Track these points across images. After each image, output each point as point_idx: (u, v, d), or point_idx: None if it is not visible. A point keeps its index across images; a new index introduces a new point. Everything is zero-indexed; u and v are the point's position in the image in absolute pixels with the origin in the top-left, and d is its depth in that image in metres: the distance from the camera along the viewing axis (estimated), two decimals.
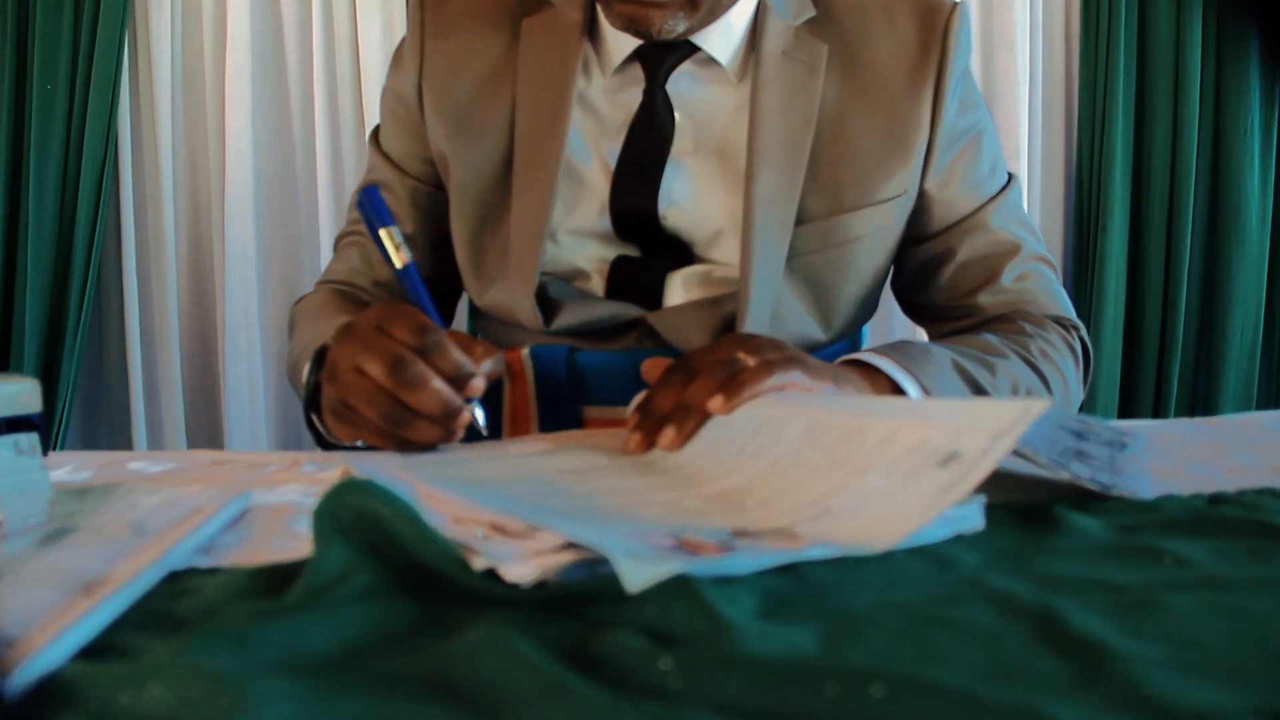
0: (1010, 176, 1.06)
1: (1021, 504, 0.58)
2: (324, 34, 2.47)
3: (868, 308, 1.07)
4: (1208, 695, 0.33)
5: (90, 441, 2.61)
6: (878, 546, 0.44)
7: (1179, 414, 2.37)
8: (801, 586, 0.44)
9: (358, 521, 0.44)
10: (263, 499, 0.63)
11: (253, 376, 2.52)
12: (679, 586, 0.40)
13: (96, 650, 0.39)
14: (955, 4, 1.01)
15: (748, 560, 0.44)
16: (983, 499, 0.51)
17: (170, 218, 2.50)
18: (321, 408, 0.79)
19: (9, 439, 0.56)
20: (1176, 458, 0.70)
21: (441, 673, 0.36)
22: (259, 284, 2.52)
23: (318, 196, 2.49)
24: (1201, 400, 2.42)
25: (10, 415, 0.56)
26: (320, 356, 0.81)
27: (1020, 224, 1.04)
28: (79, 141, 2.42)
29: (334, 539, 0.43)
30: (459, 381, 0.71)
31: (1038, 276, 1.03)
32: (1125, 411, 2.40)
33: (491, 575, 0.43)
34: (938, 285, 1.04)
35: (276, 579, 0.46)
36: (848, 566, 0.46)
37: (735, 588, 0.42)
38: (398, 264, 0.80)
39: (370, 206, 0.81)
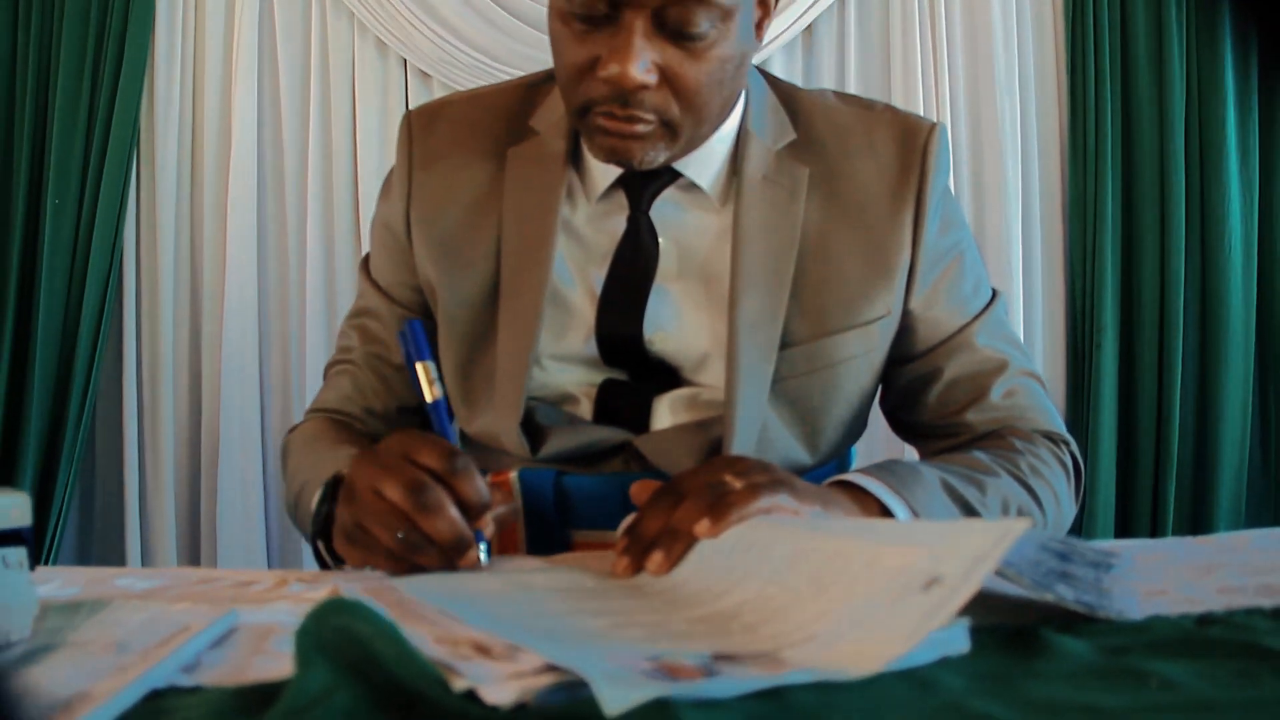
0: (994, 293, 1.08)
1: (1008, 626, 0.58)
2: (321, 153, 2.56)
3: (855, 429, 1.08)
4: None
5: (84, 553, 2.62)
6: (862, 672, 0.44)
7: (1177, 531, 2.36)
8: (784, 711, 0.44)
9: (340, 641, 0.44)
10: (249, 618, 0.63)
11: (248, 492, 2.53)
12: (658, 711, 0.40)
13: None
14: (934, 124, 1.04)
15: (729, 684, 0.44)
16: (967, 621, 0.51)
17: (169, 331, 2.56)
18: (333, 532, 0.79)
19: None
20: (1164, 577, 0.70)
21: None
22: (257, 398, 2.56)
23: (305, 312, 2.54)
24: (1200, 517, 2.42)
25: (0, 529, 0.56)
26: (333, 485, 0.82)
27: (1006, 340, 1.06)
28: (85, 255, 2.50)
29: (315, 659, 0.43)
30: (476, 510, 0.72)
31: (1026, 392, 1.04)
32: (1122, 530, 2.40)
33: (472, 696, 0.43)
34: (926, 404, 1.05)
35: (257, 699, 0.46)
36: (831, 691, 0.46)
37: (717, 712, 0.42)
38: (429, 398, 0.82)
39: (411, 339, 0.83)
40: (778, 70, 2.42)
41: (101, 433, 2.60)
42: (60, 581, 0.75)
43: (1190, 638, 0.56)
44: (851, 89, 2.46)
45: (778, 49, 2.47)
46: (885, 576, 0.52)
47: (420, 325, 0.84)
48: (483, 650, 0.48)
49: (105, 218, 2.49)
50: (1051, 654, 0.53)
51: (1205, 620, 0.59)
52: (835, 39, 2.53)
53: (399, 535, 0.71)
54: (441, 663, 0.45)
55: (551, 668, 0.44)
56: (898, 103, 2.31)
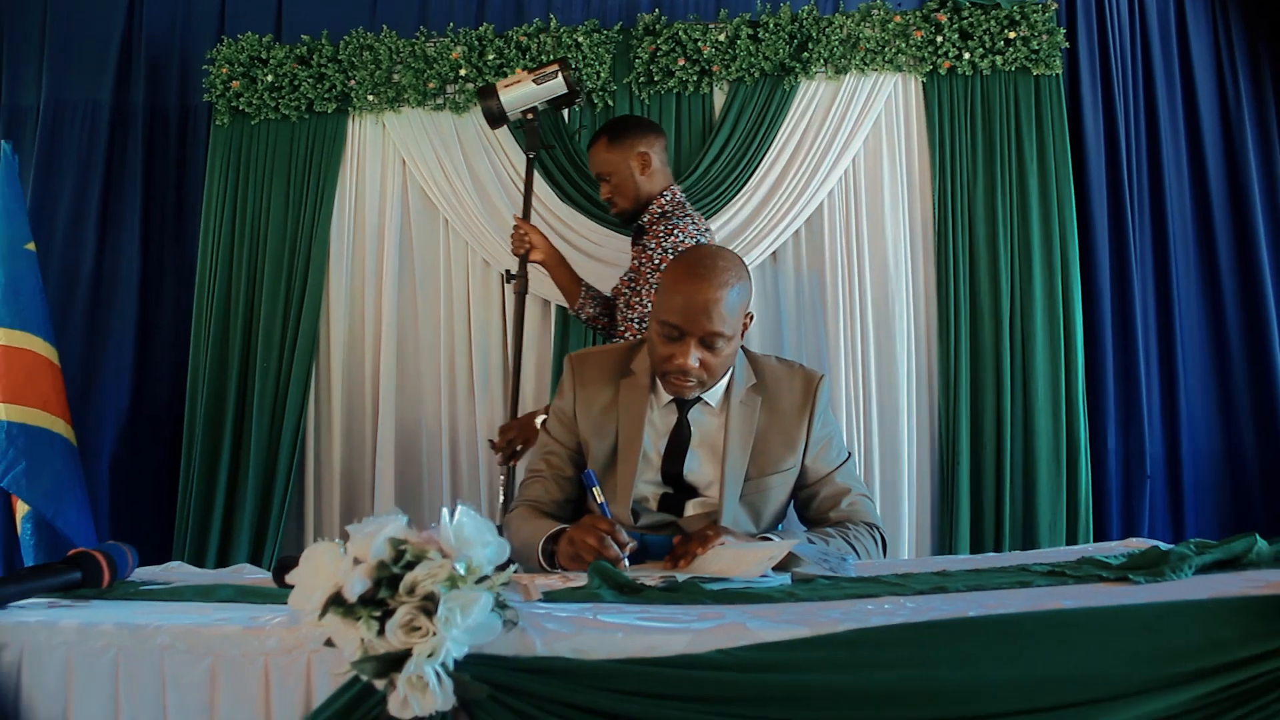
0: (849, 454, 2.24)
1: (808, 575, 1.72)
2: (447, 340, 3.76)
3: (779, 517, 2.19)
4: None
5: None
6: (750, 578, 1.60)
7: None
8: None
9: (599, 569, 1.59)
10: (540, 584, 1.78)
11: None
12: (691, 593, 1.56)
13: None
14: (822, 376, 2.20)
15: (699, 581, 1.59)
16: (787, 576, 1.66)
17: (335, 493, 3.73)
18: (555, 555, 1.93)
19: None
20: (873, 569, 1.84)
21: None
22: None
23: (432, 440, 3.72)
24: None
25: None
26: (554, 536, 1.95)
27: (852, 479, 2.18)
28: (283, 405, 3.66)
29: (593, 576, 1.58)
30: (622, 546, 1.82)
31: (862, 504, 2.16)
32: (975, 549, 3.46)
33: (639, 588, 1.59)
34: (811, 507, 2.17)
35: (567, 593, 1.61)
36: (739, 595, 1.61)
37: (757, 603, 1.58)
38: (600, 499, 1.96)
39: (589, 476, 1.97)
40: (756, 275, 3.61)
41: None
42: None
43: (880, 578, 1.70)
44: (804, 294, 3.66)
45: (752, 271, 3.65)
46: (758, 553, 1.69)
47: (593, 474, 2.01)
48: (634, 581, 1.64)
49: (298, 375, 3.66)
50: (819, 584, 1.67)
51: (907, 575, 1.73)
52: (792, 264, 3.70)
53: (593, 555, 1.84)
54: (627, 580, 1.61)
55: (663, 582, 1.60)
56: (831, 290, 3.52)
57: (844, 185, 3.61)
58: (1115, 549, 1.81)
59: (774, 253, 3.63)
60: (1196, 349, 3.73)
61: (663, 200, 2.98)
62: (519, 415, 3.12)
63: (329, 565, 1.11)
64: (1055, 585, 1.46)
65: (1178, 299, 3.68)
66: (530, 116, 3.18)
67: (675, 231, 2.83)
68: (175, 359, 3.78)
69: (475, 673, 1.13)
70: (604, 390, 2.17)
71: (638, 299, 2.84)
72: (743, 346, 2.18)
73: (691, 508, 2.13)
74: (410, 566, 1.10)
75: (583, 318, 3.23)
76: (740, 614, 1.30)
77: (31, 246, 3.39)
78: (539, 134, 3.20)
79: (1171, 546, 1.63)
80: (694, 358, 1.98)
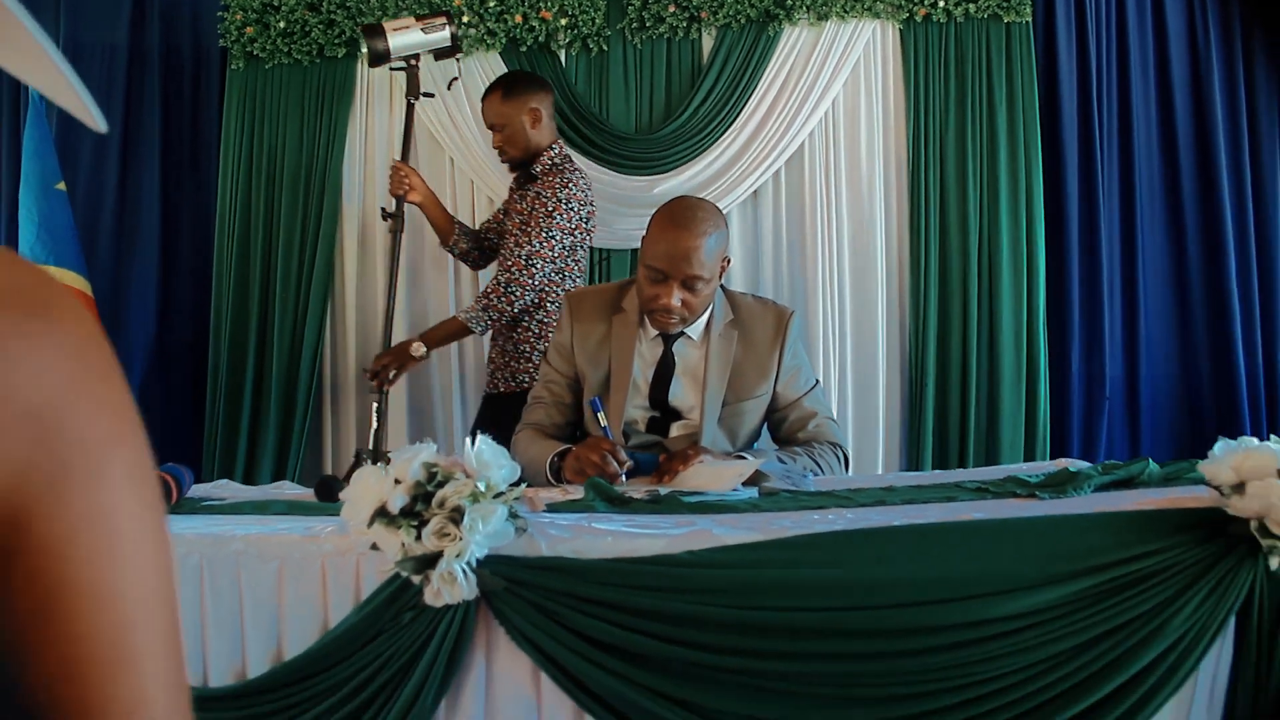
0: (817, 381, 2.51)
1: (775, 489, 2.01)
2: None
3: (754, 438, 2.47)
4: None
5: None
6: (724, 492, 1.88)
7: None
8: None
9: (594, 485, 1.87)
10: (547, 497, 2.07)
11: None
12: (671, 503, 1.84)
13: None
14: (792, 312, 2.47)
15: (678, 495, 1.88)
16: (755, 490, 1.94)
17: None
18: (562, 470, 2.22)
19: None
20: (830, 484, 2.13)
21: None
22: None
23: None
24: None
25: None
26: (561, 454, 2.24)
27: (818, 404, 2.46)
28: (299, 348, 3.93)
29: (589, 490, 1.86)
30: (621, 464, 2.12)
31: (827, 426, 2.44)
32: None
33: (627, 500, 1.87)
34: (781, 429, 2.45)
35: (568, 505, 1.89)
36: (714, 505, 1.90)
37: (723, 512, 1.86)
38: (603, 423, 2.24)
39: (595, 403, 2.25)
40: (733, 221, 3.82)
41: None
42: None
43: (835, 492, 1.98)
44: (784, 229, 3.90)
45: (734, 208, 3.88)
46: (731, 470, 1.97)
47: (599, 399, 2.28)
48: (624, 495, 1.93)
49: (314, 307, 3.90)
50: (781, 497, 1.96)
51: (856, 490, 2.02)
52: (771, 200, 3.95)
53: (596, 470, 2.12)
54: (617, 494, 1.90)
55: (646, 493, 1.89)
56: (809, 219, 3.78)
57: (824, 127, 3.82)
58: (1041, 468, 2.09)
59: (756, 191, 3.86)
60: (1158, 279, 3.98)
61: (551, 153, 3.20)
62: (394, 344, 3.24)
63: (375, 485, 1.39)
64: (976, 500, 1.75)
65: (1142, 231, 3.92)
66: (413, 63, 3.23)
67: (570, 185, 3.08)
68: (198, 291, 4.02)
69: (493, 569, 1.43)
70: (598, 325, 2.44)
71: (527, 239, 3.05)
72: (721, 286, 2.43)
73: (675, 429, 2.41)
74: (441, 485, 1.38)
75: (455, 253, 3.45)
76: (709, 522, 1.59)
77: (62, 186, 3.60)
78: (418, 81, 3.26)
79: (1083, 467, 1.92)
80: (676, 298, 2.25)
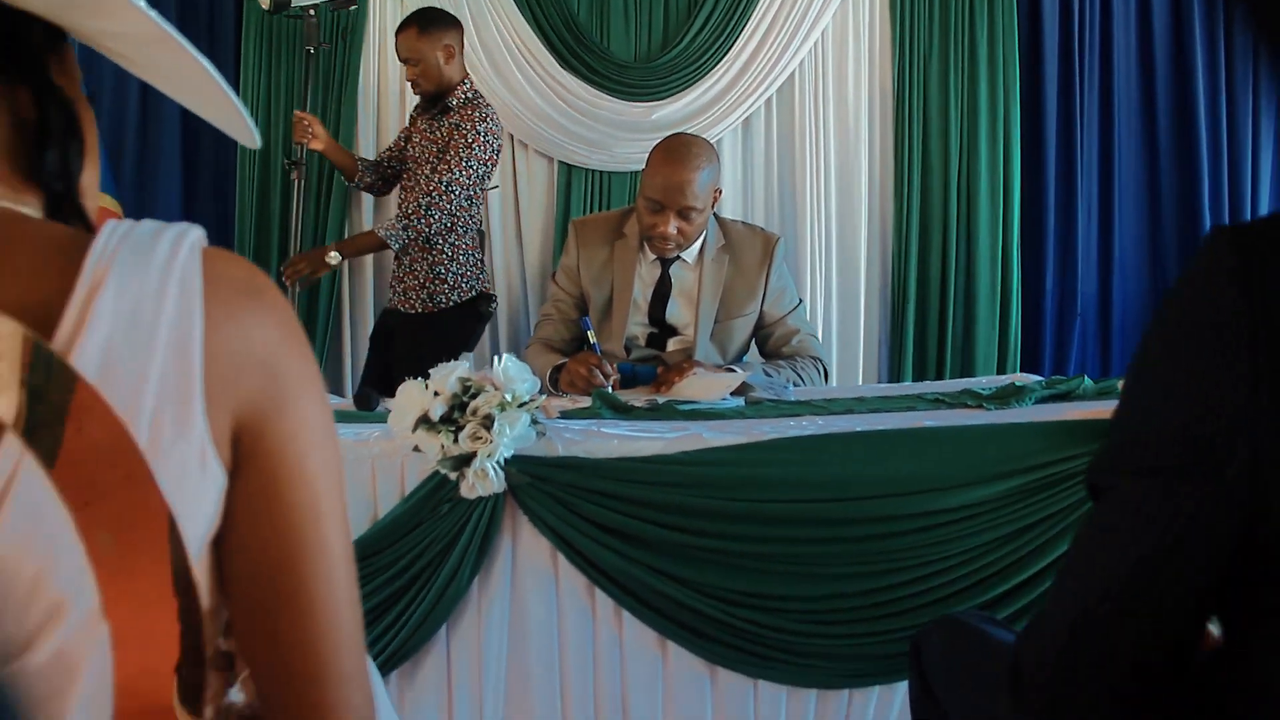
0: (800, 300, 2.76)
1: (756, 398, 2.26)
2: None
3: (743, 352, 2.73)
4: None
5: None
6: (714, 400, 2.14)
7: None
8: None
9: (600, 395, 2.13)
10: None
11: None
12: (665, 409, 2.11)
13: None
14: (779, 237, 2.70)
15: (674, 403, 2.14)
16: (743, 399, 2.20)
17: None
18: (559, 381, 2.48)
19: None
20: (809, 394, 2.39)
21: None
22: None
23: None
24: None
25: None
26: (558, 368, 2.50)
27: (802, 321, 2.70)
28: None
29: (597, 400, 2.12)
30: (608, 376, 2.38)
31: (809, 341, 2.68)
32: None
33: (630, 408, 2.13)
34: (767, 344, 2.70)
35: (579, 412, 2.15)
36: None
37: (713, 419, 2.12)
38: (593, 340, 2.47)
39: (585, 321, 2.50)
40: (725, 147, 4.01)
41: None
42: None
43: (813, 402, 2.24)
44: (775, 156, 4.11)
45: (726, 134, 4.06)
46: (722, 381, 2.22)
47: (588, 318, 2.53)
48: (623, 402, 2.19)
49: (333, 227, 4.08)
50: (765, 406, 2.22)
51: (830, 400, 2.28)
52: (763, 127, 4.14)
53: (584, 381, 2.37)
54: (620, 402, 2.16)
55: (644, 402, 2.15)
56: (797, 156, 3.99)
57: (813, 58, 4.01)
58: (994, 382, 2.35)
59: (748, 118, 4.05)
60: (1133, 202, 4.19)
61: (464, 87, 3.34)
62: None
63: (417, 396, 1.64)
64: (932, 410, 2.01)
65: (1119, 156, 4.13)
66: (311, 12, 3.35)
67: (487, 119, 3.25)
68: (220, 212, 4.23)
69: (519, 467, 1.70)
70: (601, 250, 2.67)
71: (446, 168, 3.22)
72: (714, 214, 2.66)
73: (672, 344, 2.65)
74: (474, 396, 1.63)
75: (360, 187, 3.64)
76: (700, 427, 1.85)
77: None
78: (317, 32, 3.39)
79: (1029, 381, 2.18)
80: (673, 226, 2.48)
